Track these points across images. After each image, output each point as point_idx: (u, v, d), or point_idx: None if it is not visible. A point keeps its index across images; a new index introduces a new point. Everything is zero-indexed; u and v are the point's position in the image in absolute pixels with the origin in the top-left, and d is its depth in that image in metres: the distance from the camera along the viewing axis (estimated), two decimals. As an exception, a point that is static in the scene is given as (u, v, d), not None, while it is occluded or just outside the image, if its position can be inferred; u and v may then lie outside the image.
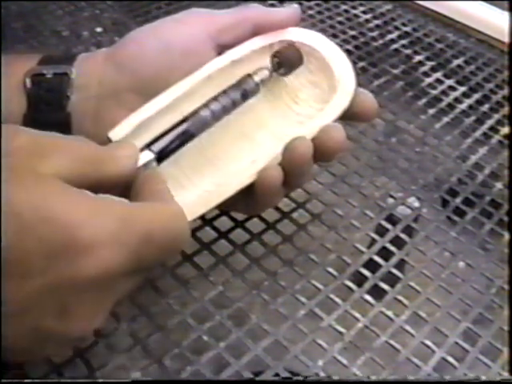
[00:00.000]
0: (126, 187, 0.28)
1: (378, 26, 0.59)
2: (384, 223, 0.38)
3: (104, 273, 0.23)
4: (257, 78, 0.33)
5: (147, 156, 0.29)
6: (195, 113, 0.31)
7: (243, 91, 0.33)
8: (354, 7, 0.61)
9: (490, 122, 0.49)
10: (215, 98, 0.32)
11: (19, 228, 0.22)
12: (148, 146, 0.30)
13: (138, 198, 0.27)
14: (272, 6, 0.57)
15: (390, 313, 0.33)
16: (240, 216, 0.37)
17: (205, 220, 0.36)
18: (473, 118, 0.49)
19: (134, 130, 0.31)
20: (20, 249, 0.22)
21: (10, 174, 0.22)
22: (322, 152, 0.32)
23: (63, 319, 0.24)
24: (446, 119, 0.48)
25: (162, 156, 0.30)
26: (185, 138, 0.31)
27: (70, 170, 0.24)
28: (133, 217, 0.25)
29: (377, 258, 0.36)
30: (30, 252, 0.22)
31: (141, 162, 0.29)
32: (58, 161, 0.24)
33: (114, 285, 0.25)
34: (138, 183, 0.28)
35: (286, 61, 0.34)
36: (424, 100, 0.50)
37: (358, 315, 0.32)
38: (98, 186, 0.26)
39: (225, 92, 0.32)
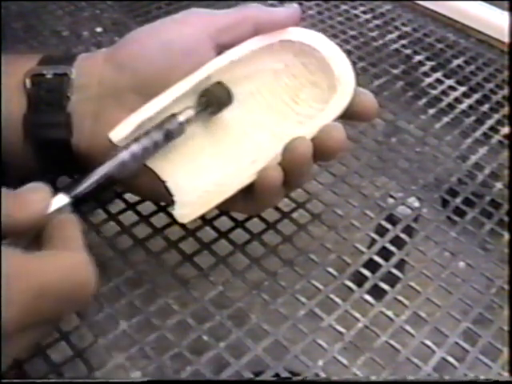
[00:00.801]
0: (39, 232, 0.27)
1: (378, 26, 0.59)
2: (384, 223, 0.38)
3: None
4: (181, 118, 0.32)
5: (62, 200, 0.28)
6: (113, 155, 0.30)
7: (166, 131, 0.31)
8: (354, 7, 0.61)
9: (490, 122, 0.48)
10: (136, 139, 0.31)
11: None
12: (65, 188, 0.28)
13: (47, 246, 0.26)
14: (272, 6, 0.56)
15: (390, 313, 0.33)
16: (240, 216, 0.37)
17: (205, 220, 0.36)
18: (473, 118, 0.49)
19: (134, 130, 0.31)
20: None
21: None
22: (322, 151, 0.32)
23: None
24: (445, 119, 0.48)
25: (78, 200, 0.28)
26: (104, 182, 0.30)
27: None
28: (29, 269, 0.23)
29: (377, 258, 0.36)
30: None
31: (54, 207, 0.27)
32: None
33: (10, 340, 0.23)
34: (49, 229, 0.27)
35: (214, 99, 0.33)
36: (424, 100, 0.50)
37: (358, 315, 0.32)
38: (6, 232, 0.25)
39: (147, 133, 0.31)
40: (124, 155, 0.30)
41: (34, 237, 0.26)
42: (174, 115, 0.32)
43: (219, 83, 0.33)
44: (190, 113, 0.32)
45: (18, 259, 0.24)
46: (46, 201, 0.27)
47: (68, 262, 0.25)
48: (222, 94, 0.33)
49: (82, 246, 0.26)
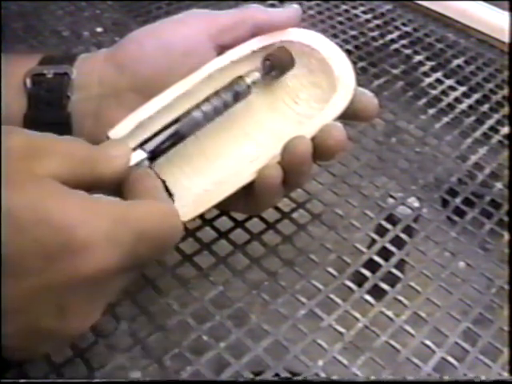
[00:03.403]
0: (119, 185, 0.28)
1: (378, 26, 0.59)
2: (384, 223, 0.38)
3: (99, 272, 0.24)
4: (248, 80, 0.33)
5: (139, 155, 0.29)
6: (187, 113, 0.32)
7: (234, 93, 0.33)
8: (354, 7, 0.61)
9: (489, 122, 0.49)
10: (207, 99, 0.32)
11: (16, 229, 0.22)
12: (140, 145, 0.30)
13: (131, 197, 0.28)
14: (272, 6, 0.57)
15: (390, 313, 0.33)
16: (240, 216, 0.37)
17: (205, 220, 0.36)
18: (473, 118, 0.49)
19: (134, 129, 0.31)
20: (16, 250, 0.22)
21: (6, 175, 0.23)
22: (322, 151, 0.32)
23: (60, 318, 0.24)
24: (445, 119, 0.48)
25: (154, 155, 0.30)
26: (176, 138, 0.31)
27: (64, 171, 0.25)
28: (126, 216, 0.25)
29: (377, 258, 0.36)
30: (26, 253, 0.22)
31: (133, 161, 0.29)
32: (52, 162, 0.25)
33: (109, 282, 0.25)
34: (131, 182, 0.28)
35: (278, 63, 0.34)
36: (424, 100, 0.50)
37: (358, 315, 0.32)
38: (92, 185, 0.26)
39: (216, 93, 0.33)
40: (197, 114, 0.32)
41: (114, 190, 0.28)
42: (241, 77, 0.33)
43: (282, 48, 0.34)
44: (257, 75, 0.33)
45: (118, 207, 0.25)
46: (127, 156, 0.28)
47: (161, 210, 0.26)
48: (285, 58, 0.34)
49: (166, 195, 0.29)
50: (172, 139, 0.31)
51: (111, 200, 0.26)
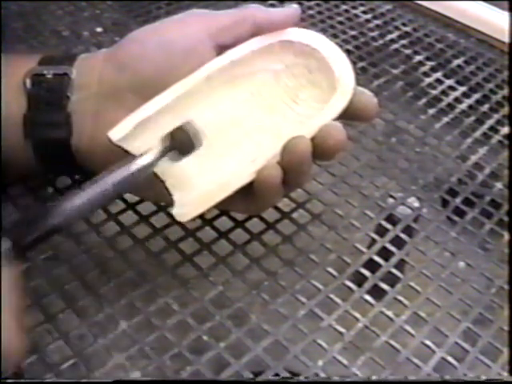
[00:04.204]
0: None
1: (378, 26, 0.59)
2: (384, 223, 0.38)
3: None
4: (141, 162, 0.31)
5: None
6: (56, 205, 0.28)
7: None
8: (354, 7, 0.61)
9: (489, 122, 0.48)
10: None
11: None
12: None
13: None
14: (272, 6, 0.57)
15: (390, 313, 0.33)
16: (240, 216, 0.37)
17: (205, 220, 0.36)
18: (473, 118, 0.49)
19: (134, 129, 0.31)
20: None
21: None
22: (322, 151, 0.32)
23: None
24: (445, 119, 0.48)
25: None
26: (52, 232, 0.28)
27: None
28: None
29: (377, 258, 0.36)
30: None
31: None
32: None
33: None
34: None
35: (178, 145, 0.32)
36: (424, 100, 0.50)
37: (358, 315, 0.32)
38: None
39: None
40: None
41: None
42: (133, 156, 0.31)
43: (181, 128, 0.32)
44: (150, 157, 0.31)
45: None
46: None
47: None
48: (186, 140, 0.32)
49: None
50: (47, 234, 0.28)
51: None
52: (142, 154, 0.31)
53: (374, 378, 0.30)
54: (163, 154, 0.31)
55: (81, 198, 0.28)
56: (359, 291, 0.34)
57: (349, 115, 0.34)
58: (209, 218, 0.36)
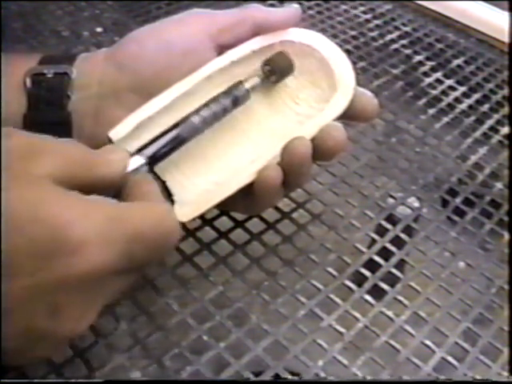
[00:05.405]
0: (117, 191, 0.28)
1: (378, 26, 0.59)
2: (384, 223, 0.38)
3: (93, 272, 0.23)
4: (247, 85, 0.33)
5: (138, 161, 0.29)
6: (186, 119, 0.32)
7: (234, 98, 0.33)
8: (354, 7, 0.61)
9: (489, 122, 0.49)
10: (206, 105, 0.32)
11: (10, 228, 0.22)
12: (139, 150, 0.30)
13: (128, 200, 0.27)
14: (272, 6, 0.56)
15: (390, 313, 0.33)
16: (240, 216, 0.37)
17: (205, 220, 0.36)
18: (473, 118, 0.49)
19: (134, 129, 0.31)
20: (10, 249, 0.22)
21: (3, 175, 0.23)
22: (322, 151, 0.32)
23: (53, 318, 0.24)
24: (445, 119, 0.48)
25: (152, 161, 0.30)
26: (175, 144, 0.31)
27: (61, 172, 0.25)
28: (122, 216, 0.25)
29: (377, 258, 0.36)
30: (20, 252, 0.22)
31: (131, 167, 0.29)
32: (49, 162, 0.24)
33: (104, 284, 0.25)
34: (129, 186, 0.28)
35: (277, 68, 0.34)
36: (424, 100, 0.50)
37: (358, 315, 0.32)
38: (90, 189, 0.26)
39: (215, 98, 0.33)
40: (196, 119, 0.32)
41: (113, 196, 0.27)
42: (240, 82, 0.33)
43: (282, 52, 0.34)
44: (256, 80, 0.34)
45: (113, 207, 0.25)
46: (125, 160, 0.28)
47: (158, 211, 0.26)
48: (285, 63, 0.34)
49: (163, 199, 0.29)
50: (171, 145, 0.31)
51: (106, 201, 0.25)
52: (247, 79, 0.33)
53: (373, 378, 0.30)
54: (266, 77, 0.34)
55: (196, 118, 0.32)
56: (359, 291, 0.34)
57: (349, 115, 0.34)
58: (209, 217, 0.36)
